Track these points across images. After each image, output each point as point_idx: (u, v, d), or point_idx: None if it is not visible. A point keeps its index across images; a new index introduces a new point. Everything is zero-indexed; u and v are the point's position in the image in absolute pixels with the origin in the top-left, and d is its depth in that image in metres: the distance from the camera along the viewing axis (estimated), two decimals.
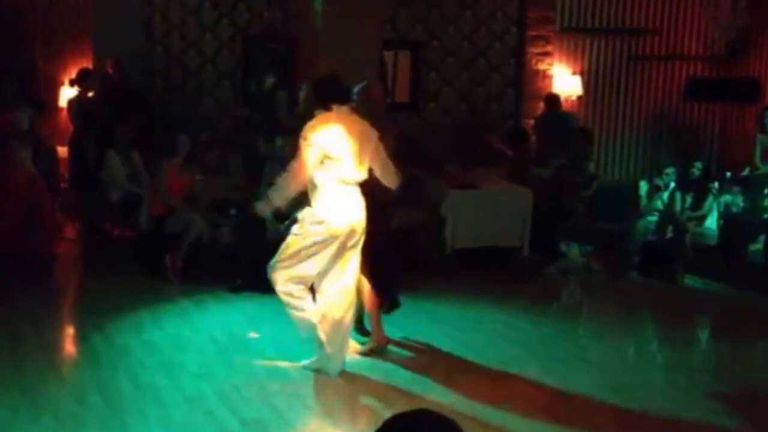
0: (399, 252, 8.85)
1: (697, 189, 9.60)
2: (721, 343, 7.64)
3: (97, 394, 5.54)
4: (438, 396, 5.67)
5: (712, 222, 9.59)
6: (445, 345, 6.80)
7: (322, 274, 5.87)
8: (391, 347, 6.63)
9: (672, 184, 9.45)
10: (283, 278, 5.86)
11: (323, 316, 5.88)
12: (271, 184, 8.32)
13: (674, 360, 7.01)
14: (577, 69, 12.34)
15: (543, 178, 10.08)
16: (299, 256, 5.81)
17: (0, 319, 7.00)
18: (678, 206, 9.44)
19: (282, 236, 8.04)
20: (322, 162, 5.72)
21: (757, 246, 9.28)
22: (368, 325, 6.59)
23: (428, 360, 6.47)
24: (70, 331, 7.39)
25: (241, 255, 8.11)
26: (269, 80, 11.06)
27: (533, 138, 11.50)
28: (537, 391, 5.93)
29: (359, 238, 5.88)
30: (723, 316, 8.38)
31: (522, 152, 10.97)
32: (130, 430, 5.04)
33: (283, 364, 6.17)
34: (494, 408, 5.55)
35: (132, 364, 6.10)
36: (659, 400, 5.92)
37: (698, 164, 9.77)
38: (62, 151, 10.29)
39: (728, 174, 10.18)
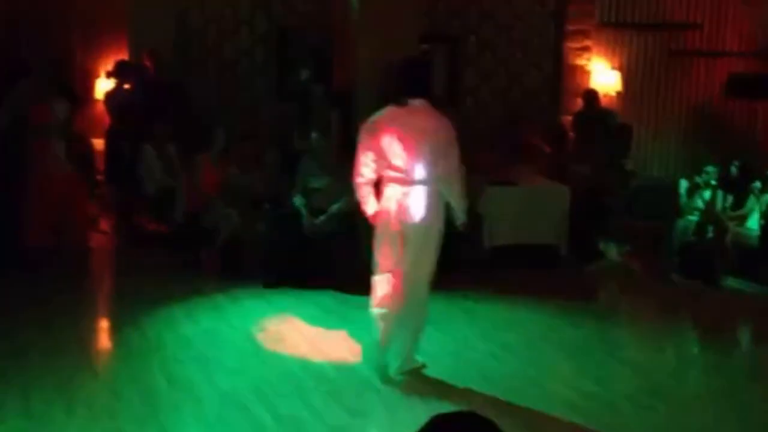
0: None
1: (738, 188, 9.43)
2: (763, 347, 7.50)
3: (132, 388, 5.53)
4: (475, 397, 5.60)
5: (753, 222, 9.39)
6: (482, 345, 6.73)
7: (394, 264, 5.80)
8: (428, 347, 6.56)
9: (713, 183, 9.28)
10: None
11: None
12: (304, 179, 8.32)
13: (715, 363, 6.87)
14: (616, 64, 12.17)
15: (581, 176, 9.95)
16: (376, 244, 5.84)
17: (34, 312, 7.03)
18: (719, 206, 9.28)
19: (318, 231, 8.05)
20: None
21: None
22: None
23: (465, 360, 6.39)
24: (104, 324, 7.40)
25: (276, 250, 8.06)
26: (304, 74, 11.01)
27: (571, 134, 11.37)
28: (574, 392, 5.83)
29: (416, 236, 5.74)
30: (765, 318, 8.23)
31: (560, 149, 10.85)
32: (164, 424, 5.01)
33: (319, 360, 6.13)
34: (531, 409, 5.48)
35: (166, 359, 6.09)
36: (699, 405, 5.82)
37: (736, 163, 9.60)
38: (98, 143, 10.31)
39: None
